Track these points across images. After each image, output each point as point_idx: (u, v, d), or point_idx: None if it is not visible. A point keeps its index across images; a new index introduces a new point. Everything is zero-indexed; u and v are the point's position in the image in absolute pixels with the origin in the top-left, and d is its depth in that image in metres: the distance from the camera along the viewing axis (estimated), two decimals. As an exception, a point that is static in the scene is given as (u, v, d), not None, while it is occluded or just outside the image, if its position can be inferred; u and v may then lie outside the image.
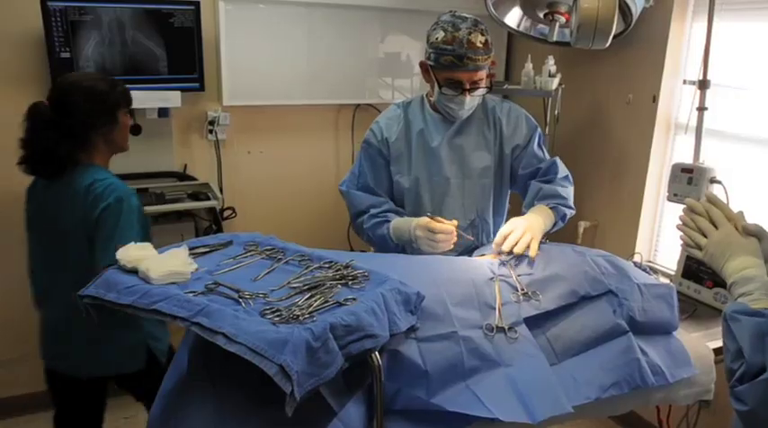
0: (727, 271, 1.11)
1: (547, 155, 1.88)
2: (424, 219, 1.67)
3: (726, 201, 2.13)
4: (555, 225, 1.74)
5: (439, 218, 1.67)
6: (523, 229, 1.56)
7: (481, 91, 1.75)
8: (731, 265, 1.10)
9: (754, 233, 1.12)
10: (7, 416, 2.72)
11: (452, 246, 1.67)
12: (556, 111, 2.72)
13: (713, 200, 1.21)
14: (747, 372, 0.93)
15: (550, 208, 1.73)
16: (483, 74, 1.72)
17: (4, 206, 2.59)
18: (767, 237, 1.13)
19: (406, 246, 1.77)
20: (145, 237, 1.71)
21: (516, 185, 1.91)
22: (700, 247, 1.18)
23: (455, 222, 1.67)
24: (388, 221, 1.79)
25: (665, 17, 2.45)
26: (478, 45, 1.64)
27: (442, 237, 1.64)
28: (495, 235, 1.92)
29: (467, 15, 1.69)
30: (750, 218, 1.19)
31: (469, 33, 1.63)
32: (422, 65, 1.77)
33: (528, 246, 1.53)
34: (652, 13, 2.45)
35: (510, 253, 1.55)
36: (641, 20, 2.44)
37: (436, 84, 1.75)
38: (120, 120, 1.86)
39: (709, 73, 2.23)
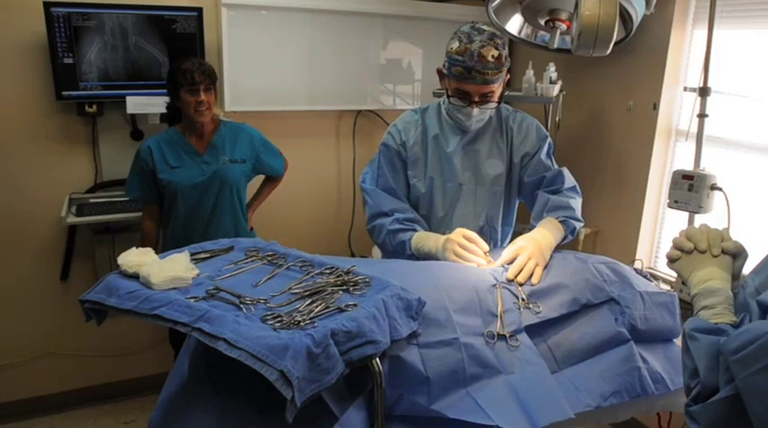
0: (692, 282, 1.09)
1: (555, 165, 1.87)
2: (461, 229, 1.66)
3: (726, 208, 2.15)
4: (564, 239, 1.71)
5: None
6: (528, 255, 1.53)
7: (491, 105, 1.74)
8: (696, 276, 1.08)
9: (731, 252, 1.09)
10: (7, 421, 2.72)
11: (483, 264, 1.61)
12: (557, 118, 2.73)
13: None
14: (702, 393, 0.92)
15: (560, 221, 1.70)
16: (493, 88, 1.69)
17: (9, 208, 2.59)
18: (743, 256, 1.10)
19: (421, 258, 1.73)
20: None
21: (522, 194, 1.91)
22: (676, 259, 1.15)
23: (487, 248, 1.64)
24: (414, 231, 1.78)
25: (665, 24, 2.46)
26: (489, 59, 1.62)
27: (474, 249, 1.61)
28: (502, 243, 1.93)
29: (485, 28, 1.66)
30: (750, 226, 1.18)
31: (482, 47, 1.62)
32: (438, 71, 1.78)
33: (532, 272, 1.50)
34: (653, 21, 2.46)
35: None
36: (642, 27, 2.45)
37: (447, 93, 1.75)
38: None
39: (710, 80, 2.24)
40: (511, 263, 1.54)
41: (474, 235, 1.65)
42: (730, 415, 0.86)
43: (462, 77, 1.66)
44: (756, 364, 0.82)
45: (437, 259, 1.67)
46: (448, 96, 1.75)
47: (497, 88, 1.71)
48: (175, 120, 2.41)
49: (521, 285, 1.47)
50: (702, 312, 1.02)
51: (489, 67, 1.63)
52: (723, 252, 1.09)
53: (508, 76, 1.77)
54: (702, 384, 0.92)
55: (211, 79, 2.29)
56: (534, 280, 1.49)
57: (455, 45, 1.66)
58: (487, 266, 1.59)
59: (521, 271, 1.50)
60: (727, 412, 0.87)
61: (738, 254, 1.10)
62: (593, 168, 2.84)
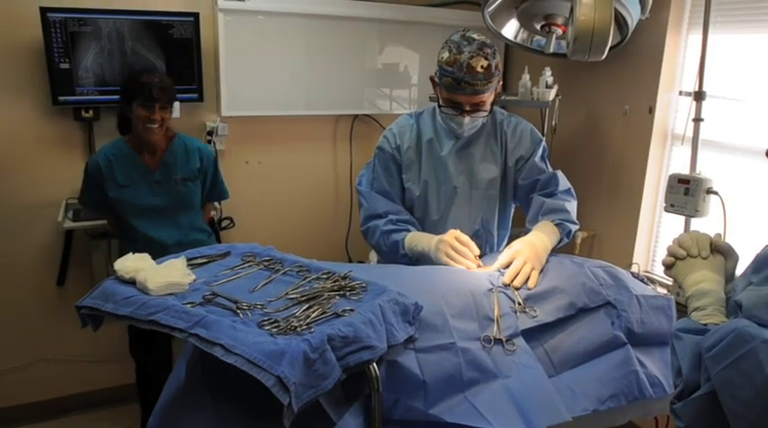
0: (685, 285, 1.12)
1: (549, 168, 1.87)
2: (455, 231, 1.67)
3: (722, 212, 2.16)
4: (560, 241, 1.72)
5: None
6: (524, 259, 1.54)
7: (482, 114, 1.74)
8: (689, 279, 1.11)
9: (722, 250, 1.13)
10: (3, 427, 2.72)
11: (472, 267, 1.62)
12: (553, 122, 2.74)
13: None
14: (685, 390, 0.94)
15: (555, 224, 1.71)
16: (484, 97, 1.69)
17: (6, 213, 2.59)
18: (733, 257, 1.14)
19: (415, 258, 1.75)
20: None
21: (517, 197, 1.91)
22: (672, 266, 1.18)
23: (478, 252, 1.66)
24: (407, 231, 1.79)
25: (660, 29, 2.47)
26: (479, 70, 1.62)
27: (466, 251, 1.62)
28: (498, 247, 1.93)
29: (475, 37, 1.65)
30: (745, 229, 1.20)
31: (471, 58, 1.61)
32: (431, 79, 1.78)
33: (528, 276, 1.51)
34: (648, 25, 2.47)
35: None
36: (637, 32, 2.46)
37: (438, 102, 1.76)
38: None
39: (705, 84, 2.25)
40: (507, 267, 1.55)
41: (466, 238, 1.66)
42: (709, 412, 0.89)
43: (452, 88, 1.66)
44: (726, 360, 0.86)
45: (430, 258, 1.68)
46: (439, 105, 1.76)
47: (488, 97, 1.71)
48: (126, 129, 2.28)
49: (517, 289, 1.47)
50: (694, 313, 1.05)
51: (479, 78, 1.63)
52: (713, 251, 1.13)
53: (501, 83, 1.78)
54: (685, 382, 0.95)
55: (170, 97, 2.18)
56: (531, 284, 1.49)
57: (445, 55, 1.66)
58: (478, 270, 1.59)
59: (517, 275, 1.50)
60: (707, 408, 0.89)
61: (728, 254, 1.13)
62: (590, 172, 2.85)
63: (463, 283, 1.47)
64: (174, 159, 2.29)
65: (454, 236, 1.65)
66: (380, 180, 1.87)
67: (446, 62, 1.65)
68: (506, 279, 1.50)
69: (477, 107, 1.71)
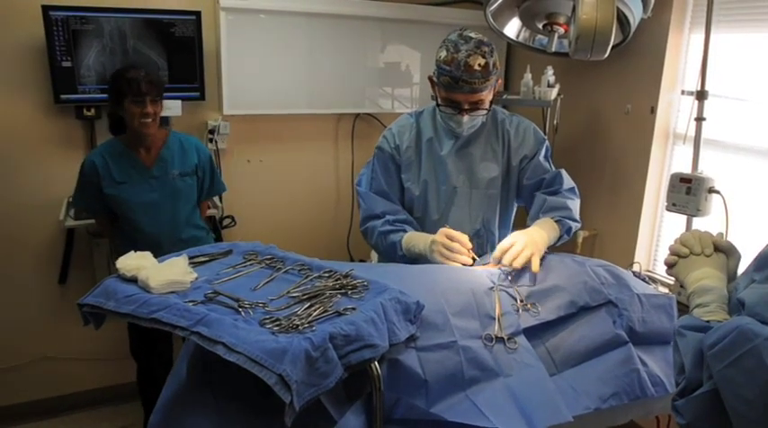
0: (687, 281, 1.12)
1: (553, 167, 1.87)
2: (445, 229, 1.68)
3: (724, 211, 2.15)
4: (560, 238, 1.72)
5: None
6: (524, 244, 1.54)
7: (481, 112, 1.74)
8: (691, 276, 1.11)
9: (723, 248, 1.13)
10: (4, 426, 2.71)
11: (467, 261, 1.63)
12: (555, 121, 2.73)
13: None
14: (687, 387, 0.94)
15: (555, 221, 1.71)
16: (482, 96, 1.69)
17: (8, 211, 2.59)
18: (735, 256, 1.14)
19: (412, 259, 1.75)
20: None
21: (521, 197, 1.91)
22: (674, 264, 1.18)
23: (471, 246, 1.67)
24: (404, 231, 1.79)
25: (662, 28, 2.46)
26: (476, 68, 1.62)
27: (458, 247, 1.63)
28: None
29: (472, 36, 1.65)
30: (747, 228, 1.20)
31: (468, 56, 1.61)
32: (429, 79, 1.78)
33: (528, 260, 1.52)
34: (650, 24, 2.46)
35: (510, 266, 1.53)
36: (639, 31, 2.45)
37: (437, 101, 1.76)
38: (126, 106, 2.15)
39: (707, 83, 2.25)
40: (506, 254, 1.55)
41: (456, 233, 1.66)
42: (712, 409, 0.89)
43: (450, 87, 1.67)
44: (728, 357, 0.86)
45: (428, 259, 1.68)
46: (438, 104, 1.76)
47: (486, 95, 1.71)
48: (120, 129, 2.27)
49: (514, 278, 1.48)
50: (696, 310, 1.05)
51: (476, 77, 1.63)
52: (716, 250, 1.13)
53: (500, 81, 1.77)
54: (687, 379, 0.94)
55: (159, 90, 2.19)
56: (534, 268, 1.50)
57: (443, 54, 1.66)
58: (479, 268, 1.60)
59: (517, 257, 1.51)
60: (709, 406, 0.89)
61: (730, 253, 1.13)
62: (592, 171, 2.84)
63: (464, 282, 1.47)
64: (170, 155, 2.30)
65: (445, 234, 1.66)
66: (379, 180, 1.87)
67: (444, 61, 1.65)
68: (506, 260, 1.51)
69: (475, 106, 1.71)
